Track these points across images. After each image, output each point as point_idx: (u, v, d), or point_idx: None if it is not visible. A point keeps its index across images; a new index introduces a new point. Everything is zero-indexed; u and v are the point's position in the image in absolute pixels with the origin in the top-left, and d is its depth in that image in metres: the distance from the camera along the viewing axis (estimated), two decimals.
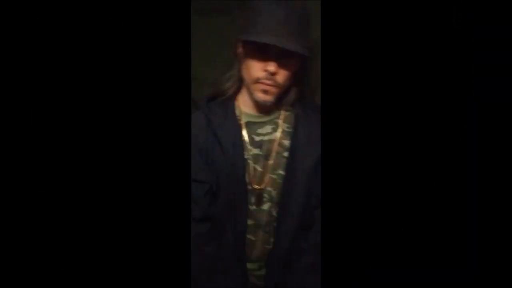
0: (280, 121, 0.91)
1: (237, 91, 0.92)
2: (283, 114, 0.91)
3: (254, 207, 0.88)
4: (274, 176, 0.88)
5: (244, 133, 0.90)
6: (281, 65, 0.83)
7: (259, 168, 0.88)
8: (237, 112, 0.91)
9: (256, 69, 0.84)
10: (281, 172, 0.88)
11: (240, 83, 0.90)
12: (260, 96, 0.85)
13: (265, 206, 0.88)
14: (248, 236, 0.88)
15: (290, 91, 0.90)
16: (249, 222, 0.88)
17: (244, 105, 0.91)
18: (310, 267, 0.87)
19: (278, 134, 0.90)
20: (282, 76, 0.84)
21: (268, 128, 0.91)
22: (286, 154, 0.89)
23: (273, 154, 0.89)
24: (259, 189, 0.88)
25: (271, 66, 0.82)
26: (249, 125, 0.90)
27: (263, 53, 0.83)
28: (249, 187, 0.88)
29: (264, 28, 0.81)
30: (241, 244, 0.88)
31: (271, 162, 0.89)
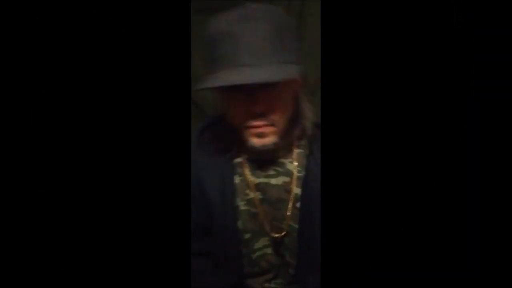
0: (286, 162, 0.74)
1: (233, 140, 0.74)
2: (295, 153, 0.74)
3: (258, 253, 0.75)
4: (287, 227, 0.74)
5: (240, 173, 0.74)
6: (266, 99, 0.66)
7: (264, 215, 0.73)
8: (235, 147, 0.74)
9: (238, 114, 0.68)
10: (293, 224, 0.74)
11: (232, 131, 0.72)
12: (256, 142, 0.68)
13: (269, 250, 0.75)
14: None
15: (301, 121, 0.73)
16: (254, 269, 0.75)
17: (244, 151, 0.73)
18: None
19: (284, 178, 0.74)
20: (275, 111, 0.67)
21: (269, 170, 0.74)
22: (298, 204, 0.74)
23: (280, 202, 0.74)
24: (276, 236, 0.73)
25: (255, 107, 0.65)
26: (246, 164, 0.74)
27: (244, 91, 0.65)
28: (250, 236, 0.74)
29: (221, 63, 0.64)
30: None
31: (278, 211, 0.74)
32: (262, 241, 0.75)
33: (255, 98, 0.65)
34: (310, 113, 0.74)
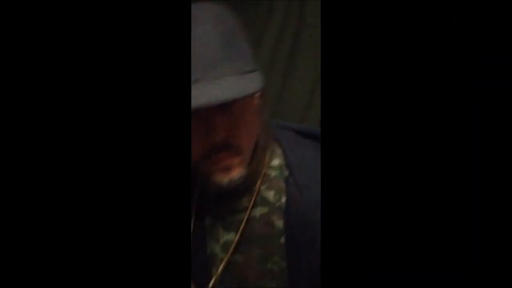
0: (263, 189, 0.61)
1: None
2: (268, 175, 0.62)
3: None
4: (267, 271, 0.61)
5: (211, 212, 0.61)
6: (230, 120, 0.54)
7: (240, 260, 0.60)
8: (203, 183, 0.62)
9: (197, 146, 0.55)
10: (273, 267, 0.61)
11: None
12: (223, 178, 0.57)
13: None
14: None
15: (259, 140, 0.60)
16: None
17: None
18: None
19: (263, 209, 0.61)
20: (240, 135, 0.55)
21: (245, 202, 0.62)
22: (282, 239, 0.61)
23: (262, 238, 0.60)
24: None
25: (218, 133, 0.54)
26: (216, 201, 0.61)
27: (196, 116, 0.53)
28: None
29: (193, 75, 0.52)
30: None
31: (259, 251, 0.60)
32: None
33: (211, 124, 0.54)
34: (266, 127, 0.61)
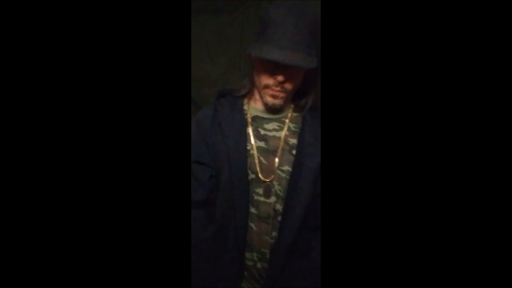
0: (287, 120, 0.95)
1: (249, 91, 0.96)
2: (291, 114, 0.95)
3: (261, 198, 0.90)
4: (280, 172, 0.91)
5: (249, 126, 0.93)
6: (289, 74, 0.87)
7: (264, 161, 0.91)
8: (246, 108, 0.95)
9: (265, 77, 0.89)
10: (288, 168, 0.91)
11: (252, 85, 0.95)
12: (269, 100, 0.90)
13: (271, 200, 0.89)
14: (250, 224, 0.89)
15: (306, 99, 0.95)
16: (252, 210, 0.90)
17: (254, 103, 0.95)
18: (312, 266, 0.87)
19: (284, 132, 0.93)
20: (290, 84, 0.88)
21: (274, 125, 0.94)
22: (293, 151, 0.92)
23: (279, 150, 0.92)
24: (266, 181, 0.90)
25: (280, 77, 0.86)
26: (255, 119, 0.94)
27: (272, 63, 0.86)
28: (255, 177, 0.90)
29: (272, 40, 0.84)
30: (242, 231, 0.90)
31: (277, 157, 0.91)
32: (257, 187, 0.92)
33: (282, 70, 0.86)
34: (312, 94, 0.95)
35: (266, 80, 0.88)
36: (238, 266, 0.90)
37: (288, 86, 0.89)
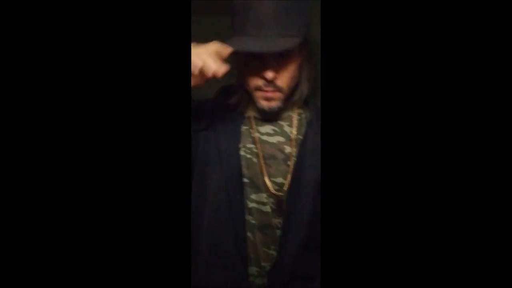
0: (285, 124, 0.85)
1: (242, 97, 0.86)
2: (294, 119, 0.85)
3: (254, 204, 0.83)
4: (270, 184, 0.83)
5: (243, 125, 0.85)
6: (280, 67, 0.77)
7: (254, 167, 0.83)
8: (244, 110, 0.86)
9: (253, 77, 0.79)
10: (281, 180, 0.83)
11: (244, 90, 0.84)
12: (264, 104, 0.80)
13: (267, 208, 0.83)
14: (248, 233, 0.83)
15: (299, 86, 0.83)
16: (248, 218, 0.83)
17: (253, 102, 0.84)
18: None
19: (277, 138, 0.84)
20: (283, 79, 0.78)
21: (268, 129, 0.85)
22: (288, 162, 0.83)
23: (270, 158, 0.83)
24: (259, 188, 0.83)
25: (268, 73, 0.76)
26: (250, 119, 0.85)
27: (256, 58, 0.76)
28: (249, 182, 0.83)
29: (250, 30, 0.74)
30: (241, 237, 0.83)
31: (267, 166, 0.83)
32: (258, 196, 0.84)
33: (270, 64, 0.76)
34: (307, 80, 0.84)
35: (255, 81, 0.78)
36: (240, 276, 0.82)
37: (281, 83, 0.78)
